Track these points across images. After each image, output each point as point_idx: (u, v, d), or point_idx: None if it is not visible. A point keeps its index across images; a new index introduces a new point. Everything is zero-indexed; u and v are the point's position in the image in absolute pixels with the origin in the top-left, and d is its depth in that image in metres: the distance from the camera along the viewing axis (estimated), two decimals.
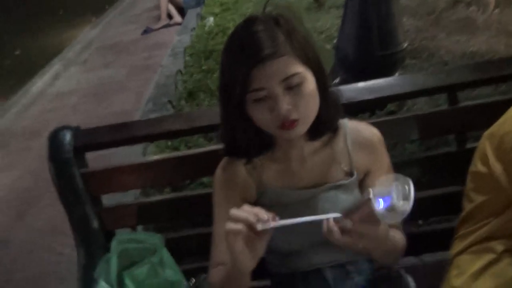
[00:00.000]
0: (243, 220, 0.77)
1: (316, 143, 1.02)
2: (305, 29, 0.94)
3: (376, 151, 1.04)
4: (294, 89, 0.87)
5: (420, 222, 1.81)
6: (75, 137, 1.22)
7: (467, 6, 3.86)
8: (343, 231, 0.80)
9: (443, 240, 1.16)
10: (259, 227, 0.76)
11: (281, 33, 0.87)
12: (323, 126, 0.98)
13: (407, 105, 2.20)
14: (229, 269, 0.89)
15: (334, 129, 1.01)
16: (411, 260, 1.66)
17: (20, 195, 3.06)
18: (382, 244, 0.89)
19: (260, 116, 0.89)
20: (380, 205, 0.75)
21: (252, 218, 0.77)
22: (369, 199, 0.76)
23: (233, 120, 0.94)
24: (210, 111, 1.26)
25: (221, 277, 0.95)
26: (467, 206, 1.03)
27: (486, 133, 0.98)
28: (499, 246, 0.96)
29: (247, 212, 0.78)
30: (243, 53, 0.86)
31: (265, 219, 0.77)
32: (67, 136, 1.22)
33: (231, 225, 0.78)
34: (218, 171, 1.06)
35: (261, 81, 0.85)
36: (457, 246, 1.05)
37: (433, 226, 1.68)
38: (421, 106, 2.28)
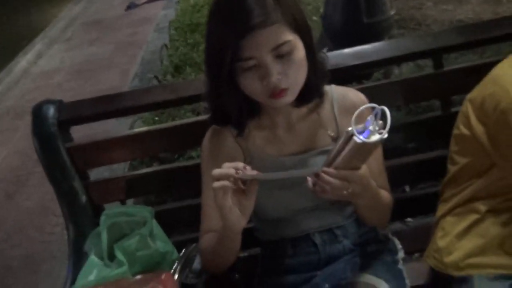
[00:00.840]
0: (225, 176, 0.80)
1: (303, 109, 1.01)
2: None
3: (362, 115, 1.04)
4: (284, 57, 0.86)
5: (407, 188, 1.84)
6: (59, 111, 1.21)
7: None
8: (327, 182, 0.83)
9: (429, 205, 1.18)
10: (240, 174, 0.80)
11: None
12: (310, 92, 0.97)
13: (393, 74, 2.20)
14: (220, 231, 0.91)
15: (320, 95, 1.01)
16: (397, 224, 1.70)
17: (8, 175, 3.03)
18: (368, 194, 0.91)
19: (250, 85, 0.88)
20: (361, 138, 0.76)
21: (232, 171, 0.80)
22: (350, 136, 0.78)
23: (220, 88, 0.93)
24: (196, 82, 1.25)
25: (212, 242, 0.96)
26: (451, 169, 1.04)
27: (469, 96, 0.98)
28: (482, 206, 0.98)
29: (227, 167, 0.81)
30: (231, 22, 0.84)
31: (242, 167, 0.81)
32: (51, 110, 1.20)
33: (216, 183, 0.80)
34: (205, 140, 1.06)
35: (251, 50, 0.84)
36: (442, 208, 1.07)
37: (419, 191, 1.71)
38: (408, 75, 2.29)
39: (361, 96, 1.05)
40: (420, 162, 1.33)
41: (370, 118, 0.76)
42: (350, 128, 0.78)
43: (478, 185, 0.98)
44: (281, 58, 0.86)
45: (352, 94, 1.05)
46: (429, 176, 1.46)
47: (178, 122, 1.32)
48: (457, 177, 1.03)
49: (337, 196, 0.85)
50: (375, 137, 0.76)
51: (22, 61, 4.76)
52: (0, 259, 2.34)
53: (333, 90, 1.04)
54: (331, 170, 0.83)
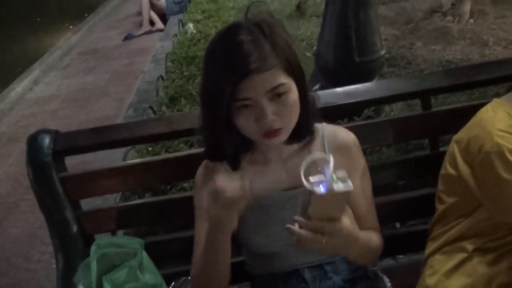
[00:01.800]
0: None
1: (294, 146, 1.04)
2: (287, 34, 0.96)
3: (352, 154, 1.07)
4: (279, 99, 0.90)
5: (397, 224, 1.85)
6: (55, 141, 1.22)
7: (443, 16, 3.97)
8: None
9: (419, 242, 1.19)
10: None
11: (267, 43, 0.89)
12: (302, 131, 1.00)
13: (384, 112, 2.25)
14: (208, 244, 0.94)
15: (311, 133, 1.04)
16: (387, 261, 1.69)
17: None
18: (355, 247, 0.91)
19: (245, 124, 0.91)
20: (321, 190, 0.76)
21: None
22: (310, 192, 0.77)
23: (215, 126, 0.95)
24: (190, 115, 1.27)
25: (203, 263, 0.99)
26: (439, 208, 1.07)
27: (455, 137, 1.02)
28: (469, 245, 1.00)
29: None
30: (229, 65, 0.87)
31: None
32: (46, 140, 1.21)
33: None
34: (198, 174, 1.07)
35: (248, 92, 0.87)
36: (430, 246, 1.09)
37: (409, 228, 1.72)
38: (398, 113, 2.34)
39: (351, 135, 1.08)
40: (410, 199, 1.35)
41: (326, 168, 0.76)
42: (306, 183, 0.78)
43: (465, 225, 1.00)
44: (276, 100, 0.89)
45: (342, 132, 1.08)
46: (419, 213, 1.47)
47: (171, 155, 1.33)
48: (445, 216, 1.05)
49: (314, 248, 0.83)
50: (338, 187, 0.75)
51: (18, 88, 4.79)
52: None
53: (324, 128, 1.07)
54: (301, 219, 0.82)
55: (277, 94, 0.89)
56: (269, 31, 0.90)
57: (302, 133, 1.01)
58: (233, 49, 0.87)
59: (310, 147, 1.05)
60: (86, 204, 1.43)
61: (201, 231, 1.03)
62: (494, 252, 0.98)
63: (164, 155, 1.35)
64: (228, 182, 0.86)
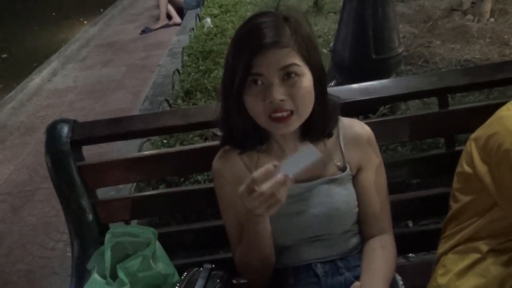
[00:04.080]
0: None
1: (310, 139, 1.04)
2: (311, 31, 0.98)
3: (368, 147, 1.07)
4: (291, 80, 0.90)
5: (410, 223, 1.84)
6: (73, 130, 1.24)
7: (463, 14, 3.90)
8: None
9: (431, 241, 1.18)
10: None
11: (289, 28, 0.91)
12: (317, 129, 1.00)
13: (400, 110, 2.23)
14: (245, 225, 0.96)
15: (328, 135, 1.04)
16: (399, 259, 1.69)
17: (15, 189, 3.07)
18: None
19: (254, 103, 0.92)
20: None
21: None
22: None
23: (232, 111, 0.97)
24: (205, 108, 1.28)
25: (244, 244, 1.01)
26: (453, 206, 1.05)
27: (473, 135, 1.00)
28: (483, 246, 0.98)
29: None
30: (248, 41, 0.90)
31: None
32: (65, 129, 1.24)
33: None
34: (215, 162, 1.09)
35: (261, 67, 0.89)
36: (443, 245, 1.08)
37: (421, 227, 1.71)
38: (414, 111, 2.32)
39: (367, 128, 1.09)
40: (423, 198, 1.34)
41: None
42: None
43: (479, 224, 0.99)
44: (288, 81, 0.90)
45: (358, 126, 1.09)
46: (432, 213, 1.47)
47: (186, 147, 1.35)
48: (459, 215, 1.04)
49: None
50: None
51: (37, 78, 4.86)
52: (0, 274, 2.34)
53: (340, 121, 1.08)
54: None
55: (288, 74, 0.90)
56: (293, 20, 0.93)
57: (316, 131, 1.01)
58: (254, 28, 0.91)
59: (325, 139, 1.05)
60: (101, 194, 1.46)
61: (230, 218, 1.06)
62: (508, 253, 0.96)
63: (178, 147, 1.36)
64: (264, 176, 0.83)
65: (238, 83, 0.90)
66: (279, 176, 0.82)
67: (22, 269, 2.33)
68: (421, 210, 1.37)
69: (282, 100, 0.90)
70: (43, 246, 2.47)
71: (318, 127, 1.00)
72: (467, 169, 0.99)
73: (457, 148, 1.26)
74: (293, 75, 0.90)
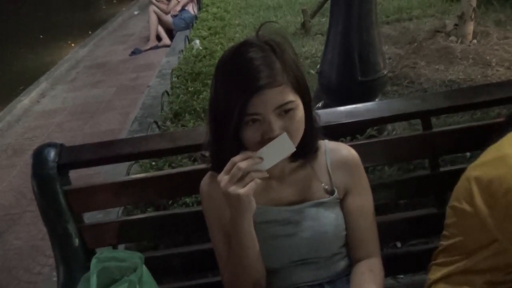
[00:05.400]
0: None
1: (297, 162, 1.05)
2: (295, 53, 0.99)
3: (354, 170, 1.08)
4: (287, 115, 0.92)
5: (398, 244, 1.85)
6: (60, 154, 1.23)
7: (447, 36, 4.01)
8: None
9: (420, 262, 1.19)
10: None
11: (278, 61, 0.91)
12: (306, 148, 1.02)
13: (387, 130, 2.26)
14: (232, 241, 0.98)
15: (315, 150, 1.05)
16: (389, 281, 1.69)
17: (1, 212, 3.01)
18: None
19: (252, 138, 0.93)
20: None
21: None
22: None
23: (223, 140, 0.97)
24: (193, 131, 1.29)
25: (232, 262, 1.01)
26: (447, 240, 1.02)
27: (473, 172, 0.93)
28: (478, 278, 0.95)
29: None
30: (241, 81, 0.89)
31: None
32: (52, 153, 1.23)
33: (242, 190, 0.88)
34: (203, 184, 1.09)
35: (257, 107, 0.89)
36: (435, 272, 1.05)
37: (410, 247, 1.72)
38: (400, 131, 2.35)
39: (353, 152, 1.10)
40: (411, 219, 1.35)
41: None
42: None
43: (475, 259, 0.95)
44: (283, 116, 0.92)
45: (344, 149, 1.10)
46: (420, 233, 1.47)
47: (173, 170, 1.35)
48: (452, 249, 1.00)
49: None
50: None
51: (25, 100, 4.85)
52: None
53: (326, 145, 1.10)
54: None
55: (284, 111, 0.92)
56: (279, 50, 0.93)
57: (306, 151, 1.02)
58: (244, 65, 0.90)
59: (312, 163, 1.07)
60: (88, 217, 1.44)
61: (218, 238, 1.06)
62: (504, 285, 0.93)
63: (166, 171, 1.37)
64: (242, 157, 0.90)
65: (235, 122, 0.91)
66: (256, 157, 0.89)
67: None
68: (409, 231, 1.38)
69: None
70: (29, 271, 2.42)
71: (306, 147, 1.01)
72: (466, 207, 0.93)
73: (442, 169, 1.28)
74: (289, 110, 0.92)
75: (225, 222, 1.04)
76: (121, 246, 1.57)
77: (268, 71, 0.89)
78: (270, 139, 0.91)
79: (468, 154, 1.82)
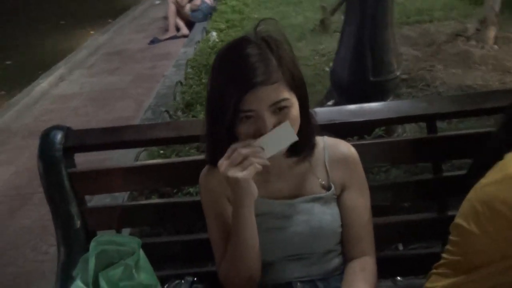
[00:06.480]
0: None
1: (295, 158, 1.06)
2: (291, 50, 0.99)
3: (352, 167, 1.09)
4: (281, 112, 0.93)
5: (400, 246, 1.84)
6: (66, 137, 1.26)
7: (467, 40, 3.94)
8: None
9: (420, 266, 1.18)
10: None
11: (274, 58, 0.92)
12: (301, 145, 1.02)
13: (396, 132, 2.24)
14: (232, 230, 0.98)
15: (311, 147, 1.06)
16: (387, 283, 1.68)
17: (13, 191, 3.09)
18: None
19: (246, 134, 0.94)
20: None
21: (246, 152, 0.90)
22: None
23: (218, 134, 0.98)
24: (198, 122, 1.30)
25: (230, 253, 1.02)
26: (451, 255, 0.99)
27: (480, 196, 0.90)
28: None
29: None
30: (236, 77, 0.90)
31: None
32: (58, 136, 1.26)
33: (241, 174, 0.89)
34: (201, 177, 1.11)
35: (252, 104, 0.90)
36: (435, 281, 1.02)
37: (411, 251, 1.71)
38: (411, 134, 2.33)
39: (352, 149, 1.10)
40: (412, 221, 1.34)
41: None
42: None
43: (479, 274, 0.92)
44: (278, 114, 0.92)
45: (343, 146, 1.10)
46: (422, 237, 1.47)
47: (179, 159, 1.37)
48: (455, 263, 0.98)
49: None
50: None
51: (44, 83, 4.93)
52: None
53: (325, 141, 1.10)
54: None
55: (279, 108, 0.92)
56: (275, 47, 0.94)
57: (302, 148, 1.03)
58: (240, 62, 0.91)
59: (310, 158, 1.07)
60: (97, 201, 1.47)
61: (215, 229, 1.07)
62: None
63: (169, 159, 1.38)
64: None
65: (229, 117, 0.92)
66: (256, 145, 0.90)
67: (13, 272, 2.34)
68: (410, 234, 1.37)
69: None
70: (36, 250, 2.48)
71: (302, 144, 1.01)
72: (474, 229, 0.89)
73: (444, 174, 1.27)
74: (283, 108, 0.92)
75: (222, 214, 1.05)
76: (125, 231, 1.60)
77: (264, 68, 0.89)
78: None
79: None
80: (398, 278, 1.74)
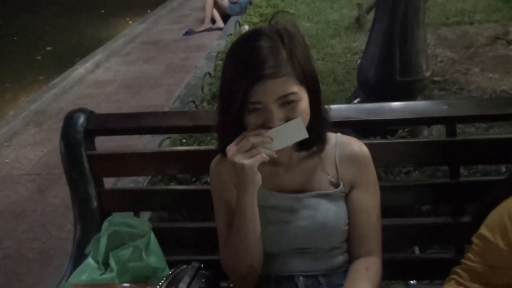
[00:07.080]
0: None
1: (305, 152, 1.06)
2: (305, 44, 0.99)
3: (362, 166, 1.08)
4: (289, 106, 0.93)
5: (416, 250, 1.80)
6: (88, 120, 1.31)
7: (507, 44, 3.78)
8: None
9: (436, 271, 1.16)
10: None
11: (285, 51, 0.92)
12: (311, 140, 1.02)
13: (422, 134, 2.19)
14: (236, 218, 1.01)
15: (322, 142, 1.05)
16: (400, 286, 1.66)
17: (44, 171, 3.23)
18: None
19: (254, 125, 0.95)
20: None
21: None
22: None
23: (227, 123, 0.99)
24: (213, 113, 1.32)
25: (232, 239, 1.03)
26: (472, 262, 0.97)
27: (509, 210, 0.90)
28: None
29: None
30: (245, 69, 0.91)
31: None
32: (81, 119, 1.31)
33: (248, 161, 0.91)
34: (213, 164, 1.13)
35: (259, 96, 0.91)
36: (454, 285, 0.99)
37: (428, 255, 1.68)
38: (437, 135, 2.27)
39: (364, 148, 1.09)
40: (427, 225, 1.32)
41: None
42: None
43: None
44: (285, 107, 0.93)
45: (355, 144, 1.09)
46: (440, 242, 1.43)
47: (196, 147, 1.40)
48: (477, 270, 0.96)
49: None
50: None
51: (81, 69, 5.10)
52: (18, 248, 2.48)
53: (338, 138, 1.09)
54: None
55: (287, 102, 0.92)
56: (288, 40, 0.94)
57: (311, 142, 1.02)
58: (250, 54, 0.91)
59: (320, 154, 1.07)
60: (121, 184, 1.50)
61: (221, 217, 1.09)
62: None
63: (188, 147, 1.40)
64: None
65: (237, 109, 0.93)
66: (266, 136, 0.92)
67: (38, 247, 2.45)
68: (429, 238, 1.33)
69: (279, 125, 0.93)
70: (61, 228, 2.59)
71: (312, 139, 1.01)
72: (500, 242, 0.89)
73: (462, 179, 1.23)
74: (291, 102, 0.93)
75: (229, 201, 1.07)
76: (143, 214, 1.63)
77: (273, 61, 0.89)
78: (271, 128, 0.92)
79: (503, 168, 1.73)
80: (411, 282, 1.71)
